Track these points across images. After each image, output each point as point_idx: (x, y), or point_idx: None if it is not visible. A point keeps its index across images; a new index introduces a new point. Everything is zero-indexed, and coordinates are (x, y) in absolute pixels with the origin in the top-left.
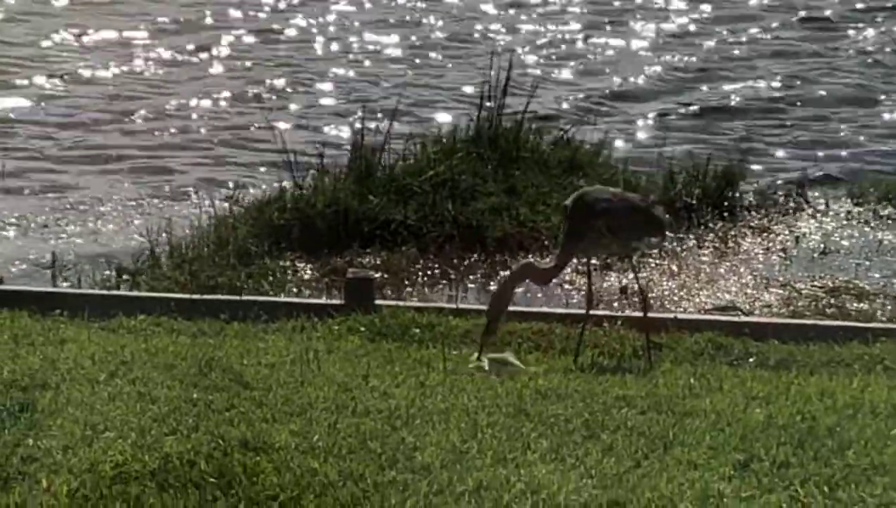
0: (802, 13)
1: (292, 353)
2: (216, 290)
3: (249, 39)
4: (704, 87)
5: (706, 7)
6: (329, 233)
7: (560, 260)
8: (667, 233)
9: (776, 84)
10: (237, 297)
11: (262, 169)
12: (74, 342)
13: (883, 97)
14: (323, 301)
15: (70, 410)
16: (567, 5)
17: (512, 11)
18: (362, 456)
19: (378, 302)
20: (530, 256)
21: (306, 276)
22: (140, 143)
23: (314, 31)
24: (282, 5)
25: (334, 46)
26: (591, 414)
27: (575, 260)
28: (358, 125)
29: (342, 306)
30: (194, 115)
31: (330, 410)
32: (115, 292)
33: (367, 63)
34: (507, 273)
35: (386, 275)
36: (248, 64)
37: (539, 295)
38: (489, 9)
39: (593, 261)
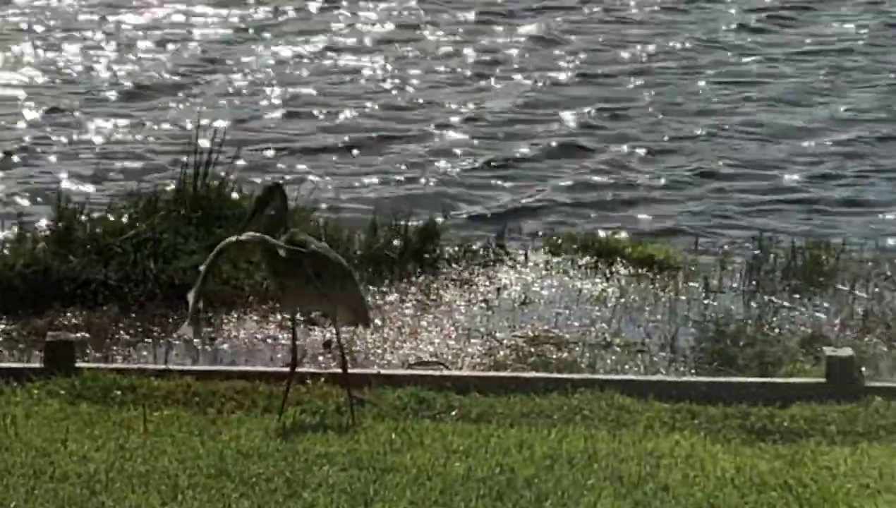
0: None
1: None
2: None
3: None
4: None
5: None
6: (29, 293)
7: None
8: (364, 314)
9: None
10: None
11: None
12: None
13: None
14: (21, 365)
15: None
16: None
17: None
18: None
19: (79, 364)
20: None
21: (4, 339)
22: None
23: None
24: None
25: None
26: (292, 472)
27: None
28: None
29: (42, 369)
30: None
31: (27, 476)
32: None
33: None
34: None
35: (88, 335)
36: None
37: (242, 353)
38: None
39: (298, 317)
